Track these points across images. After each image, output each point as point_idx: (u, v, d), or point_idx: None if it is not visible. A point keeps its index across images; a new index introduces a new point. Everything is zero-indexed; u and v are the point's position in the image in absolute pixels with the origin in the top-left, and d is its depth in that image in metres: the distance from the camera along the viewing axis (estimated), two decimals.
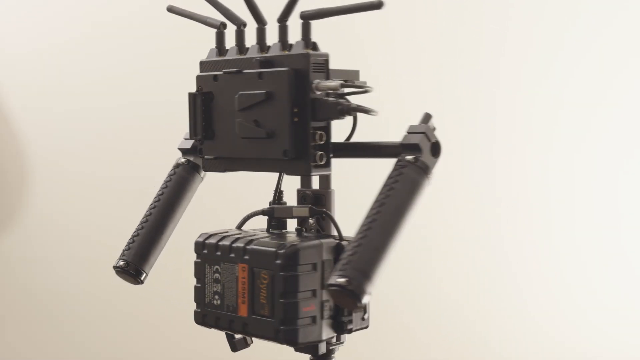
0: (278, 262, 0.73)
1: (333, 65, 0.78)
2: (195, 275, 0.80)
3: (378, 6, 0.72)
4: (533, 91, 1.77)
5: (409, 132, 0.74)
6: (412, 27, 1.71)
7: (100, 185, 1.83)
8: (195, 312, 0.81)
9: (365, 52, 1.68)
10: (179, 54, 1.76)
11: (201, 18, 0.84)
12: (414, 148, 0.73)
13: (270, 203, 0.84)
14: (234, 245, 0.77)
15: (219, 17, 0.84)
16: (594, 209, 1.79)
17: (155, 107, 1.79)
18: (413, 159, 0.72)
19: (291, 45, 0.76)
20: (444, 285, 1.78)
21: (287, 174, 0.78)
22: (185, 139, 0.88)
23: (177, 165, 0.89)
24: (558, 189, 1.79)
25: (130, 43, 1.81)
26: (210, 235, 0.80)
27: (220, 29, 0.83)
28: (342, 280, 0.66)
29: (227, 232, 0.80)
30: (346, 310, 0.76)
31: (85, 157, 1.83)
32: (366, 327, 0.81)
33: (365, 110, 0.75)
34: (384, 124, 1.80)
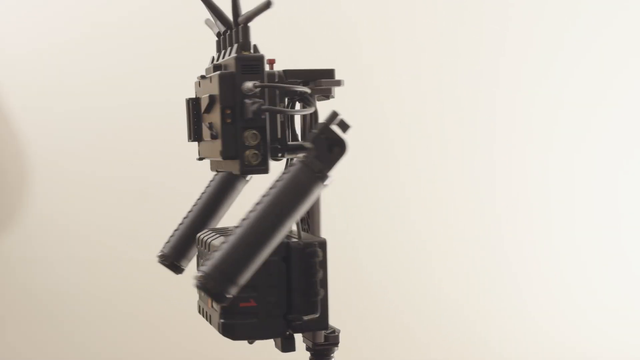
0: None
1: (317, 65, 0.78)
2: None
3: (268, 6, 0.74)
4: (533, 91, 1.77)
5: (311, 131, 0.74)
6: (412, 27, 1.71)
7: (100, 185, 1.83)
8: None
9: (366, 52, 1.68)
10: (179, 54, 1.76)
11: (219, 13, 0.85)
12: (307, 147, 0.73)
13: None
14: (206, 240, 0.82)
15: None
16: (594, 209, 1.79)
17: (155, 107, 1.79)
18: (303, 157, 0.72)
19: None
20: (444, 285, 1.78)
21: (230, 172, 0.83)
22: None
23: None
24: (558, 189, 1.79)
25: (130, 43, 1.81)
26: (206, 232, 0.84)
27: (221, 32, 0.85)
28: (199, 274, 0.69)
29: (222, 229, 0.85)
30: (298, 307, 0.78)
31: (85, 157, 1.83)
32: (316, 315, 0.79)
33: (279, 111, 0.77)
34: (385, 123, 1.80)
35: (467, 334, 1.76)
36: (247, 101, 0.74)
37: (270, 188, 0.72)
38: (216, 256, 0.69)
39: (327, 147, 0.72)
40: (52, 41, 1.84)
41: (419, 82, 1.71)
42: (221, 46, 0.83)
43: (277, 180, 0.72)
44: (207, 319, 0.83)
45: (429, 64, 1.73)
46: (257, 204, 0.71)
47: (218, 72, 0.76)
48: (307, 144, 0.72)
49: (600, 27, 1.76)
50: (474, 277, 1.79)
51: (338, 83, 0.81)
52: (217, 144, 0.76)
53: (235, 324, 0.76)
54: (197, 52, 1.76)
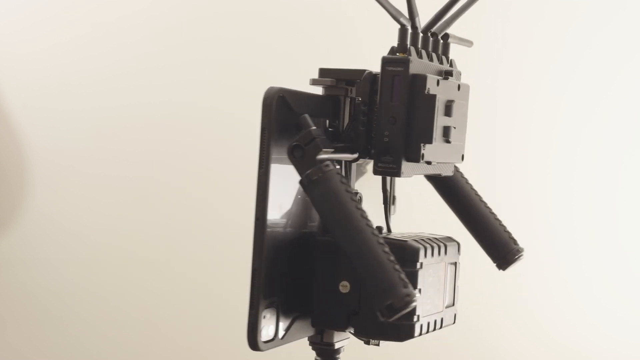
0: (459, 254, 0.87)
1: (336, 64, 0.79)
2: (415, 286, 0.77)
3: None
4: (533, 91, 1.78)
5: None
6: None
7: (101, 185, 1.83)
8: (409, 326, 0.78)
9: (366, 52, 1.68)
10: (179, 54, 1.76)
11: (392, 9, 0.83)
12: None
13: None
14: (440, 246, 0.83)
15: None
16: (594, 209, 1.79)
17: (155, 107, 1.79)
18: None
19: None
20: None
21: (446, 174, 0.87)
22: (322, 137, 0.74)
23: (337, 173, 0.73)
24: (558, 189, 1.79)
25: (130, 43, 1.81)
26: (418, 241, 0.80)
27: (405, 28, 0.82)
28: (522, 247, 0.92)
29: (410, 234, 0.84)
30: None
31: (86, 157, 1.84)
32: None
33: None
34: None
35: (467, 334, 1.76)
36: None
37: (463, 178, 0.91)
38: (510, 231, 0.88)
39: None
40: (52, 41, 1.84)
41: None
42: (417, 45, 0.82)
43: (461, 173, 0.90)
44: (435, 328, 0.84)
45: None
46: (474, 192, 0.89)
47: (468, 84, 0.85)
48: None
49: (600, 27, 1.77)
50: (473, 277, 1.79)
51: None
52: (456, 149, 0.83)
53: None
54: (197, 52, 1.76)
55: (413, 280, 0.76)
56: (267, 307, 0.73)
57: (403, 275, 0.67)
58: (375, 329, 0.80)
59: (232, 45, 1.74)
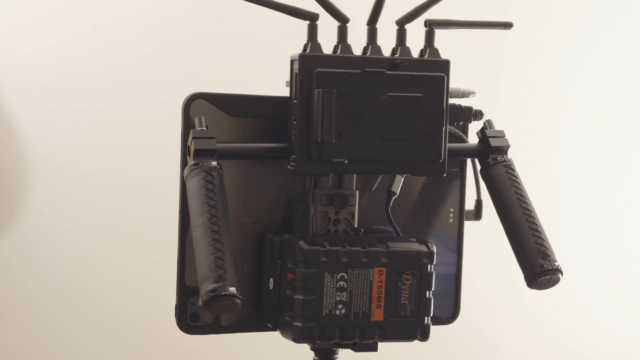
0: (425, 260, 0.77)
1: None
2: (304, 287, 0.75)
3: (508, 26, 0.83)
4: (533, 91, 1.77)
5: (495, 137, 0.84)
6: (412, 27, 1.70)
7: (101, 185, 1.83)
8: (303, 328, 0.76)
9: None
10: (179, 54, 1.76)
11: (293, 9, 0.81)
12: (505, 150, 0.84)
13: (300, 206, 0.83)
14: (370, 249, 0.76)
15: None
16: (594, 209, 1.79)
17: (155, 107, 1.79)
18: (510, 159, 0.84)
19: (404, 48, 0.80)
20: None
21: (428, 175, 0.82)
22: (199, 138, 0.79)
23: (211, 169, 0.78)
24: (558, 188, 1.78)
25: (130, 43, 1.81)
26: (316, 241, 0.76)
27: (315, 21, 0.80)
28: (557, 264, 0.82)
29: (322, 236, 0.79)
30: None
31: (86, 157, 1.83)
32: None
33: (480, 112, 0.85)
34: None
35: (467, 334, 1.76)
36: (464, 106, 0.81)
37: (518, 185, 0.83)
38: (548, 245, 0.79)
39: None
40: (52, 41, 1.84)
41: None
42: (346, 39, 0.80)
43: (517, 180, 0.83)
44: (365, 337, 0.77)
45: None
46: (525, 199, 0.82)
47: (442, 74, 0.78)
48: (504, 147, 0.84)
49: (600, 27, 1.76)
50: (473, 277, 1.79)
51: None
52: (421, 146, 0.77)
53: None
54: (198, 52, 1.76)
55: (307, 280, 0.74)
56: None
57: (223, 272, 0.69)
58: (281, 326, 0.79)
59: (232, 45, 1.74)
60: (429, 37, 0.81)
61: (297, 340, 0.76)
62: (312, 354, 0.84)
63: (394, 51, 0.81)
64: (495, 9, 1.75)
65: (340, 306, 0.75)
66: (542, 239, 0.81)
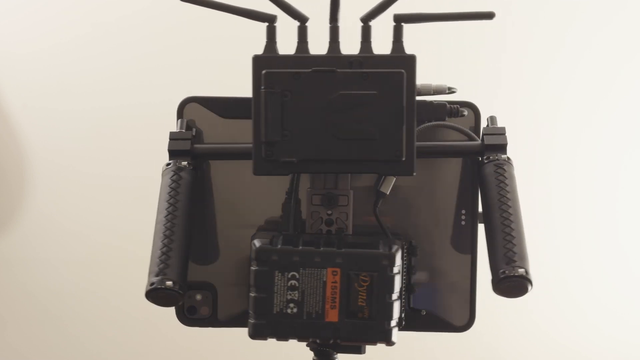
0: (385, 263, 0.74)
1: None
2: (255, 284, 0.76)
3: (489, 16, 0.77)
4: (533, 91, 1.77)
5: (490, 134, 0.81)
6: (412, 27, 1.70)
7: (101, 185, 1.83)
8: (256, 325, 0.77)
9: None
10: (179, 54, 1.76)
11: (242, 10, 0.82)
12: (502, 148, 0.80)
13: (286, 205, 0.82)
14: (322, 249, 0.75)
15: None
16: (594, 209, 1.79)
17: (155, 107, 1.78)
18: (507, 158, 0.79)
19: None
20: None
21: (389, 174, 0.79)
22: (175, 139, 0.84)
23: (179, 169, 0.82)
24: (558, 188, 1.78)
25: (130, 43, 1.81)
26: (271, 240, 0.77)
27: (273, 22, 0.81)
28: (521, 270, 0.72)
29: (279, 235, 0.78)
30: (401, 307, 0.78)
31: (86, 157, 1.83)
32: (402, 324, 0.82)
33: (462, 112, 0.81)
34: None
35: (467, 334, 1.76)
36: (436, 102, 0.78)
37: (504, 185, 0.76)
38: (519, 251, 0.72)
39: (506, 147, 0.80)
40: (52, 41, 1.84)
41: (418, 82, 1.70)
42: (305, 39, 0.79)
43: (504, 178, 0.77)
44: (319, 337, 0.76)
45: (428, 63, 1.73)
46: (507, 199, 0.75)
47: (401, 70, 0.75)
48: (501, 144, 0.79)
49: (600, 27, 1.76)
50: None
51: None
52: (380, 145, 0.74)
53: (396, 328, 0.77)
54: (197, 51, 1.76)
55: (258, 278, 0.76)
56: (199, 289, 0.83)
57: (164, 267, 0.75)
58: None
59: (232, 45, 1.74)
60: (397, 33, 0.78)
61: (251, 336, 0.77)
62: (311, 354, 0.84)
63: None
64: (496, 9, 1.75)
65: (292, 305, 0.75)
66: (513, 244, 0.74)
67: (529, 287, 0.73)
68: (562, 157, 1.79)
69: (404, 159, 0.75)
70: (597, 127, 1.79)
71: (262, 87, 0.76)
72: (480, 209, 0.83)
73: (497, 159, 0.79)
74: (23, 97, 1.85)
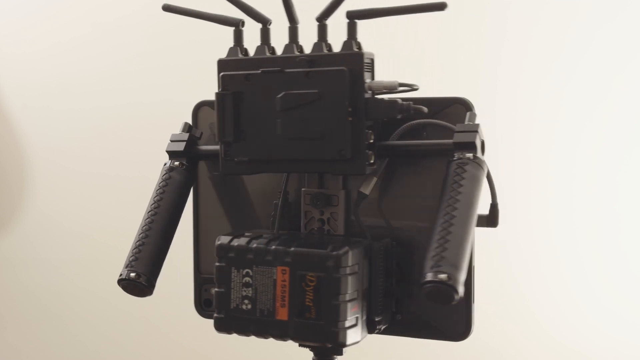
0: (330, 263, 0.73)
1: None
2: (217, 280, 0.78)
3: (441, 7, 0.74)
4: (533, 91, 1.78)
5: (460, 131, 0.75)
6: (412, 27, 1.71)
7: (101, 185, 1.83)
8: (217, 319, 0.78)
9: (365, 50, 1.68)
10: (179, 53, 1.76)
11: (212, 16, 0.84)
12: (470, 146, 0.74)
13: (275, 204, 0.83)
14: (272, 248, 0.75)
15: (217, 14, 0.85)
16: (594, 208, 1.79)
17: (155, 107, 1.79)
18: (472, 157, 0.74)
19: (329, 44, 0.77)
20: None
21: (338, 173, 0.78)
22: (173, 141, 0.88)
23: (171, 169, 0.86)
24: (558, 188, 1.79)
25: (130, 43, 1.81)
26: (234, 238, 0.78)
27: (240, 26, 0.83)
28: (443, 276, 0.66)
29: (249, 234, 0.79)
30: (378, 310, 0.77)
31: (86, 157, 1.84)
32: (393, 328, 0.82)
33: (419, 109, 0.76)
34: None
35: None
36: (387, 99, 0.74)
37: (457, 186, 0.71)
38: (448, 255, 0.67)
39: (481, 146, 0.76)
40: (52, 41, 1.84)
41: (417, 82, 1.71)
42: (268, 40, 0.80)
43: (460, 179, 0.72)
44: (271, 335, 0.76)
45: (428, 63, 1.73)
46: (455, 201, 0.70)
47: (343, 68, 0.74)
48: (469, 142, 0.74)
49: (601, 27, 1.77)
50: (473, 277, 1.79)
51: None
52: (326, 143, 0.74)
53: (347, 331, 0.74)
54: (197, 51, 1.76)
55: (217, 273, 0.78)
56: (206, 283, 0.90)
57: (134, 260, 0.82)
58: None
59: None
60: (350, 30, 0.76)
61: (216, 330, 0.79)
62: (312, 354, 0.84)
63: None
64: (495, 9, 1.75)
65: (246, 301, 0.76)
66: (444, 248, 0.68)
67: (455, 295, 0.67)
68: (561, 157, 1.79)
69: (349, 157, 0.74)
70: (597, 127, 1.79)
71: (221, 90, 0.78)
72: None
73: (460, 158, 0.74)
74: (23, 97, 1.85)
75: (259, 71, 0.77)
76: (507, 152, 1.78)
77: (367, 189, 0.80)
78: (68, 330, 1.86)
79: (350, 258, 0.73)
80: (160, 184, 0.86)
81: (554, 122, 1.78)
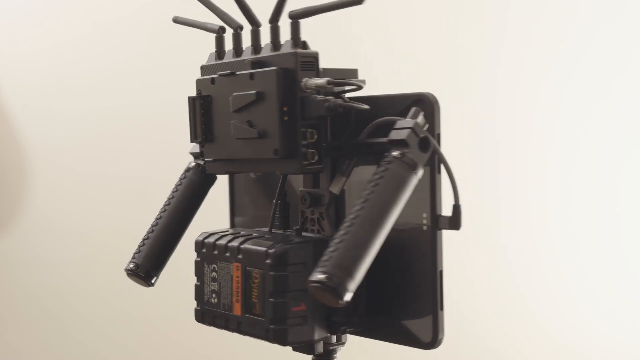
0: (268, 261, 0.73)
1: (330, 64, 0.78)
2: (196, 274, 0.82)
3: (359, 2, 0.73)
4: (533, 91, 1.78)
5: (395, 128, 0.72)
6: (411, 27, 1.71)
7: (101, 185, 1.83)
8: (195, 310, 0.82)
9: (364, 51, 1.68)
10: (179, 53, 1.76)
11: (202, 25, 0.88)
12: (401, 144, 0.71)
13: (273, 203, 0.84)
14: (229, 244, 0.78)
15: (219, 22, 0.85)
16: (594, 209, 1.79)
17: (155, 107, 1.79)
18: (399, 155, 0.70)
19: (282, 45, 0.77)
20: (443, 285, 1.78)
21: (280, 172, 0.79)
22: (194, 142, 0.90)
23: (188, 169, 0.91)
24: (558, 188, 1.79)
25: (130, 43, 1.81)
26: (210, 235, 0.81)
27: (220, 33, 0.85)
28: (322, 276, 0.64)
29: (227, 231, 0.82)
30: (340, 309, 0.76)
31: (86, 157, 1.84)
32: (360, 329, 0.80)
33: (354, 107, 0.74)
34: None
35: (467, 334, 1.76)
36: (318, 98, 0.73)
37: (372, 185, 0.69)
38: (336, 255, 0.65)
39: (418, 144, 0.71)
40: (52, 41, 1.84)
41: (417, 82, 1.71)
42: (238, 44, 0.82)
43: (378, 177, 0.69)
44: (230, 329, 0.79)
45: (429, 63, 1.73)
46: (364, 201, 0.68)
47: (274, 68, 0.74)
48: (399, 139, 0.71)
49: (601, 27, 1.77)
50: (473, 277, 1.79)
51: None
52: (264, 143, 0.74)
53: (288, 329, 0.74)
54: (197, 52, 1.76)
55: (195, 267, 0.82)
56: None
57: (137, 252, 0.88)
58: None
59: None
60: (293, 30, 0.76)
61: (196, 320, 0.83)
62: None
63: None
64: (495, 9, 1.75)
65: (214, 295, 0.80)
66: (336, 248, 0.66)
67: (339, 299, 0.64)
68: (561, 157, 1.79)
69: (285, 156, 0.74)
70: (597, 127, 1.79)
71: (196, 93, 0.83)
72: (442, 213, 0.78)
73: (386, 157, 0.71)
74: (23, 97, 1.85)
75: (217, 75, 0.80)
76: (507, 152, 1.78)
77: (335, 189, 0.80)
78: (68, 330, 1.86)
79: (291, 256, 0.73)
80: (176, 184, 0.91)
81: (554, 122, 1.78)
